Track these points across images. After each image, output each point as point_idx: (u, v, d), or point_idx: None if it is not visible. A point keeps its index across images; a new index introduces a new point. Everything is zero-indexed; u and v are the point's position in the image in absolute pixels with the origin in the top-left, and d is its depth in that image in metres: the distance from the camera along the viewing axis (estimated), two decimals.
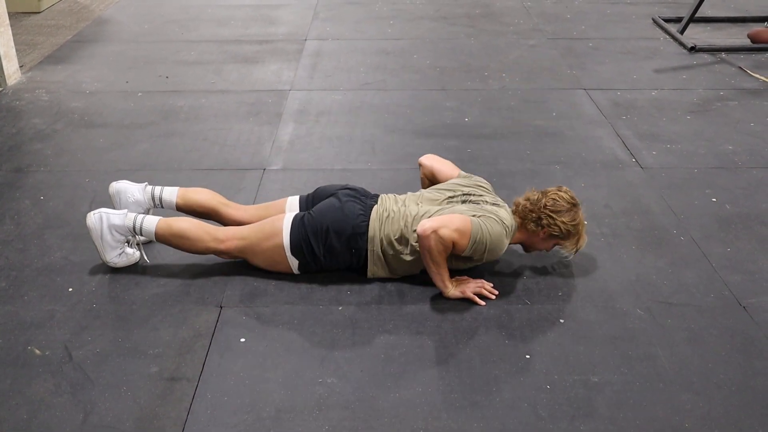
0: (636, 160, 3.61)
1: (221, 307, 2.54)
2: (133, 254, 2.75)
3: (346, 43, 5.41)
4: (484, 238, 2.52)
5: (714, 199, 3.26)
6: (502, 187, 3.36)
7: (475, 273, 2.72)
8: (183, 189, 2.89)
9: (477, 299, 2.57)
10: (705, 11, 6.04)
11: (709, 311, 2.54)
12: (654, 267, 2.78)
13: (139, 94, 4.47)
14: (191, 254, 2.76)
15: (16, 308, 2.53)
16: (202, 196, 2.85)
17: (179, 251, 2.77)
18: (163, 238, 2.68)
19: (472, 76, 4.74)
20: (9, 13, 4.73)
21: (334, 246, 2.61)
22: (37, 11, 6.29)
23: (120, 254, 2.71)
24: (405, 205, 2.68)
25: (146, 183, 2.91)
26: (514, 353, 2.34)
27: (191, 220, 2.72)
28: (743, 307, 2.56)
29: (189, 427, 2.06)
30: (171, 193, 2.86)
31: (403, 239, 2.60)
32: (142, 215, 2.71)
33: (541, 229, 2.61)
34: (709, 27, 5.82)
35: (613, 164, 3.58)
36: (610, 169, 3.54)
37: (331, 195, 2.72)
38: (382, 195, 2.77)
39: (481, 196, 2.72)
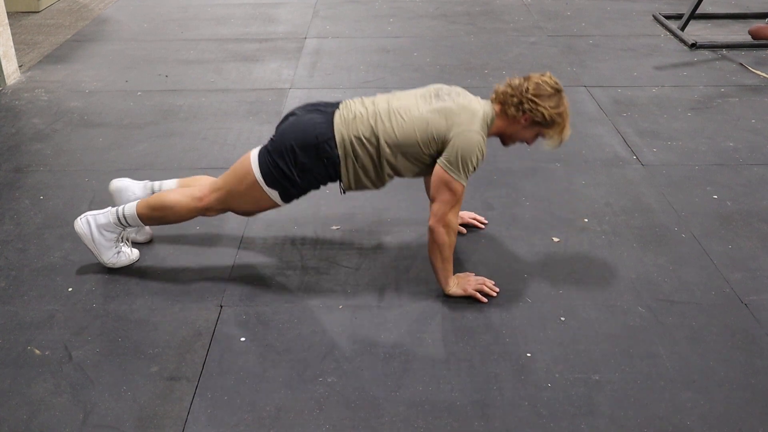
0: (637, 158, 3.60)
1: (221, 306, 2.54)
2: (131, 253, 2.75)
3: (346, 42, 5.40)
4: (467, 163, 2.42)
5: (715, 197, 3.25)
6: (501, 185, 3.36)
7: (475, 272, 2.71)
8: (182, 179, 2.87)
9: (479, 296, 2.56)
10: (705, 8, 6.03)
11: (711, 309, 2.54)
12: (655, 265, 2.77)
13: (139, 93, 4.46)
14: (190, 253, 2.75)
15: (16, 308, 2.53)
16: (201, 182, 2.78)
17: (179, 249, 2.76)
18: (148, 218, 2.63)
19: (472, 74, 4.73)
20: (8, 13, 4.72)
21: (303, 162, 2.46)
22: (36, 10, 6.28)
23: (117, 254, 2.70)
24: (374, 104, 2.54)
25: (147, 180, 2.90)
26: (514, 352, 2.34)
27: (168, 190, 2.67)
28: (745, 304, 2.56)
29: (189, 427, 2.06)
30: (170, 185, 2.85)
31: (374, 137, 2.45)
32: (123, 205, 2.67)
33: (522, 115, 2.47)
34: (709, 24, 5.81)
35: (613, 162, 3.57)
36: (611, 166, 3.53)
37: (291, 115, 2.58)
38: (346, 100, 2.60)
39: (449, 91, 2.58)
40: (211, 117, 4.11)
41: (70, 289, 2.63)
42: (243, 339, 2.39)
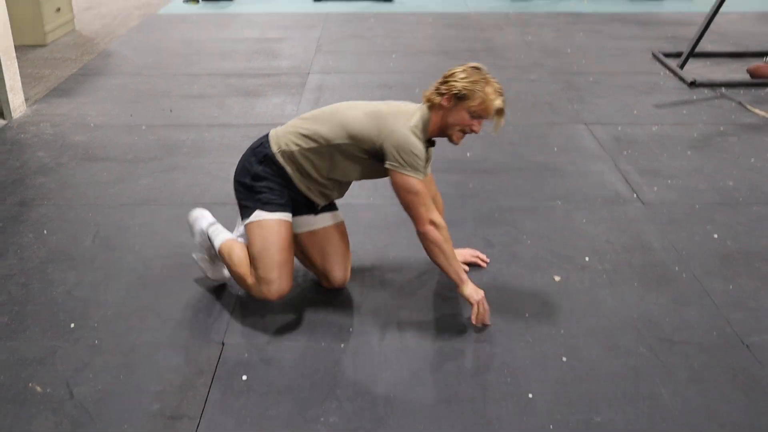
0: (637, 196, 3.62)
1: (223, 344, 2.54)
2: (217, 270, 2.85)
3: (349, 77, 5.45)
4: (411, 156, 2.48)
5: (715, 236, 3.27)
6: (502, 223, 3.37)
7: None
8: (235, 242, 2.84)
9: (475, 311, 2.59)
10: (704, 46, 6.10)
11: (712, 349, 2.54)
12: (656, 304, 2.78)
13: (143, 127, 4.50)
14: (193, 289, 2.78)
15: (18, 344, 2.53)
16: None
17: (182, 285, 2.77)
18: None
19: None
20: (15, 46, 4.77)
21: (256, 186, 2.62)
22: (43, 44, 6.37)
23: (203, 259, 2.84)
24: (310, 113, 2.71)
25: (213, 222, 2.89)
26: (516, 392, 2.34)
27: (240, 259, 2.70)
28: (746, 345, 2.56)
29: None
30: (226, 236, 2.83)
31: (308, 137, 2.59)
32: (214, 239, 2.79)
33: (443, 97, 2.53)
34: (708, 62, 5.88)
35: (614, 200, 3.59)
36: (612, 204, 3.55)
37: None
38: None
39: (390, 102, 2.69)
40: (215, 151, 4.15)
41: (72, 325, 2.63)
42: (245, 377, 2.38)
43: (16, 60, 4.71)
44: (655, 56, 5.94)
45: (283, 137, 2.64)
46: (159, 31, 6.92)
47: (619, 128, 4.48)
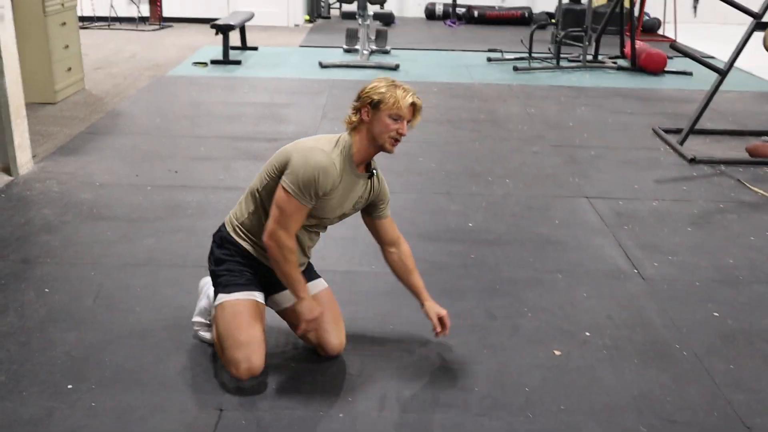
0: (638, 271, 3.64)
1: (221, 410, 2.52)
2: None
3: None
4: (303, 175, 2.52)
5: (716, 314, 3.27)
6: (504, 295, 3.38)
7: (476, 385, 2.70)
8: None
9: (303, 327, 2.66)
10: (704, 124, 6.19)
11: (713, 431, 2.52)
12: (656, 382, 2.76)
13: (149, 188, 4.54)
14: (193, 352, 2.77)
15: (15, 404, 2.51)
16: None
17: (181, 349, 2.77)
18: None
19: (476, 181, 4.82)
20: (26, 103, 4.85)
21: (217, 270, 2.75)
22: (53, 102, 6.46)
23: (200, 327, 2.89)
24: None
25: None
26: None
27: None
28: (748, 427, 2.54)
29: None
30: None
31: (245, 201, 2.79)
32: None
33: (362, 111, 2.59)
34: (708, 139, 5.96)
35: (614, 274, 3.61)
36: (612, 279, 3.56)
37: None
38: None
39: None
40: (220, 214, 4.16)
41: (70, 386, 2.62)
42: None
43: (26, 119, 4.78)
44: (655, 132, 6.03)
45: (234, 214, 2.79)
46: (167, 93, 7.03)
47: (620, 203, 4.52)
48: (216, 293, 2.73)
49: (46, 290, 3.29)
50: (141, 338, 2.93)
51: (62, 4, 6.52)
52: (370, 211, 2.86)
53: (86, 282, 3.38)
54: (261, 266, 2.76)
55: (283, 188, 2.56)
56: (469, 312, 3.22)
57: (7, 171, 4.66)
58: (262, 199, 2.70)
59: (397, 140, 2.63)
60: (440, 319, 2.85)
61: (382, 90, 2.58)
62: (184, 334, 2.95)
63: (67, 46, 6.64)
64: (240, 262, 2.74)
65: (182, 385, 2.65)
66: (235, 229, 2.76)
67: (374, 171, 2.76)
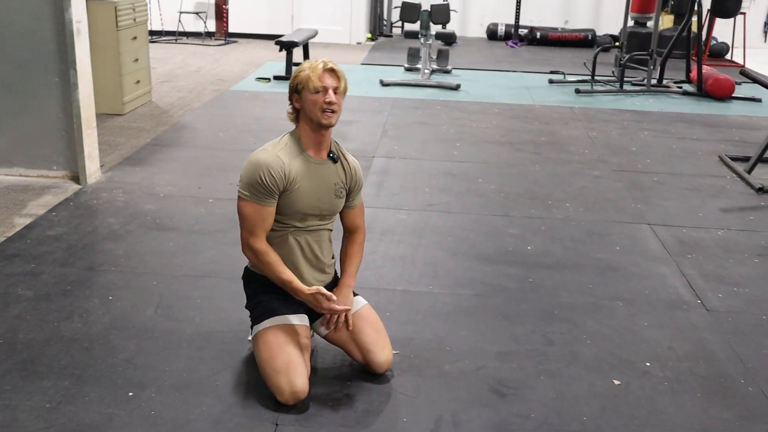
0: (701, 302, 3.55)
1: (276, 425, 2.53)
2: None
3: (413, 163, 5.54)
4: (247, 176, 2.62)
5: None
6: (562, 321, 3.33)
7: (532, 412, 2.66)
8: None
9: (327, 316, 2.71)
10: None
11: None
12: (720, 418, 2.69)
13: (210, 200, 4.61)
14: (248, 366, 2.80)
15: (77, 408, 2.57)
16: None
17: (239, 362, 2.80)
18: None
19: (536, 204, 4.78)
20: (96, 114, 4.98)
21: (249, 306, 2.83)
22: (121, 113, 6.63)
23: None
24: None
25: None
26: None
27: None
28: None
29: None
30: None
31: None
32: None
33: (292, 101, 2.67)
34: None
35: (677, 305, 3.53)
36: (674, 309, 3.48)
37: None
38: None
39: None
40: None
41: (130, 394, 2.66)
42: None
43: (95, 129, 4.91)
44: (721, 159, 5.89)
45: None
46: (231, 107, 7.15)
47: (684, 231, 4.43)
48: (252, 328, 2.78)
49: (110, 298, 3.36)
50: (199, 349, 2.97)
51: (134, 19, 6.70)
52: (347, 199, 2.87)
53: (148, 291, 3.44)
54: (287, 294, 2.75)
55: (238, 197, 2.67)
56: (526, 337, 3.18)
57: (76, 180, 4.79)
58: None
59: (328, 111, 2.63)
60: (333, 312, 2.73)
61: (298, 73, 2.65)
62: (242, 348, 2.98)
63: (136, 60, 6.82)
64: (268, 291, 2.76)
65: (239, 399, 2.67)
66: (252, 264, 2.84)
67: (334, 154, 2.76)
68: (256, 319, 2.73)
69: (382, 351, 2.77)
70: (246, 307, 2.85)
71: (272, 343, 2.62)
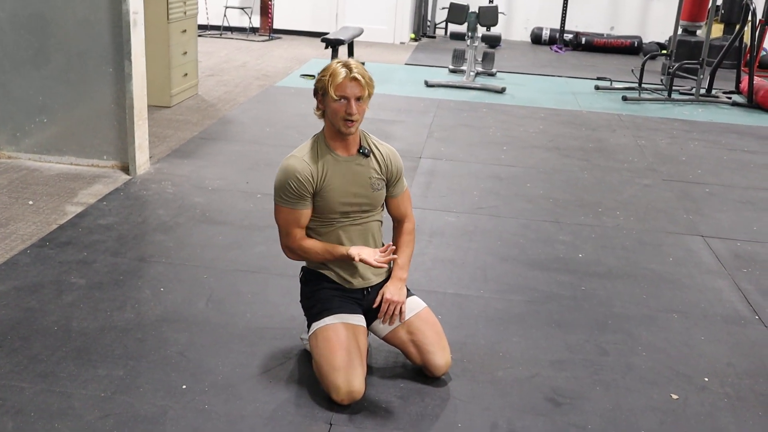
0: (759, 318, 3.47)
1: (331, 425, 2.51)
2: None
3: (460, 165, 5.49)
4: (277, 183, 2.67)
5: None
6: (617, 331, 3.27)
7: (588, 423, 2.61)
8: None
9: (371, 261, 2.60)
10: None
11: None
12: None
13: (259, 195, 4.61)
14: (302, 364, 2.78)
15: (132, 399, 2.57)
16: None
17: (291, 359, 2.78)
18: None
19: (585, 211, 4.71)
20: None
21: (306, 305, 2.80)
22: (168, 105, 6.67)
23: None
24: None
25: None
26: None
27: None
28: None
29: None
30: None
31: None
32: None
33: (318, 102, 2.65)
34: None
35: (734, 319, 3.45)
36: (732, 324, 3.40)
37: None
38: None
39: None
40: None
41: (184, 387, 2.66)
42: None
43: (146, 121, 4.93)
44: None
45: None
46: (276, 103, 7.16)
47: (738, 244, 4.34)
48: (309, 325, 2.74)
49: (161, 289, 3.36)
50: (251, 345, 2.96)
51: (185, 12, 6.73)
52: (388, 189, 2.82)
53: (198, 284, 3.44)
54: (348, 290, 2.74)
55: (275, 204, 2.69)
56: (579, 346, 3.13)
57: (126, 170, 4.82)
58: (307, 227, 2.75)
59: (348, 120, 2.58)
60: (387, 304, 2.73)
61: (322, 76, 2.58)
62: (293, 344, 2.97)
63: (185, 53, 6.86)
64: (327, 288, 2.74)
65: (292, 396, 2.65)
66: (309, 262, 2.81)
67: (364, 149, 2.70)
68: (315, 316, 2.71)
69: (441, 353, 2.74)
70: (303, 304, 2.82)
71: (332, 341, 2.60)
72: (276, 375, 2.77)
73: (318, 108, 2.68)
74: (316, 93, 2.65)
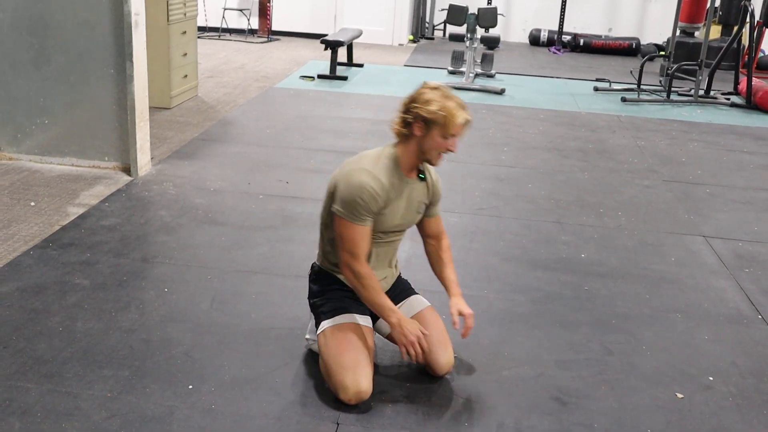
0: (762, 318, 3.48)
1: (338, 424, 2.51)
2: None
3: (461, 166, 5.50)
4: (349, 197, 2.54)
5: None
6: (618, 331, 3.28)
7: (594, 422, 2.62)
8: None
9: (402, 348, 2.58)
10: None
11: None
12: None
13: (260, 196, 4.61)
14: (308, 364, 2.78)
15: (139, 400, 2.57)
16: None
17: (296, 359, 2.78)
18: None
19: (587, 212, 4.72)
20: None
21: (316, 302, 2.76)
22: (168, 107, 6.67)
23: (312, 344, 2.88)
24: None
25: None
26: None
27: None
28: None
29: None
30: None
31: (324, 229, 2.78)
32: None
33: (413, 124, 2.55)
34: None
35: (737, 319, 3.46)
36: (735, 323, 3.41)
37: None
38: None
39: None
40: None
41: (190, 387, 2.66)
42: None
43: (148, 122, 4.93)
44: None
45: (319, 246, 2.82)
46: (276, 104, 7.16)
47: (740, 244, 4.35)
48: (318, 323, 2.72)
49: (165, 290, 3.36)
50: (257, 345, 2.96)
51: (185, 14, 6.74)
52: (427, 210, 2.85)
53: (202, 285, 3.44)
54: (354, 293, 2.74)
55: (337, 216, 2.59)
56: (584, 345, 3.13)
57: (128, 171, 4.82)
58: (328, 228, 2.73)
59: (443, 155, 2.63)
60: (463, 319, 2.77)
61: (435, 108, 2.52)
62: (298, 344, 2.97)
63: (185, 54, 6.86)
64: (338, 288, 2.73)
65: (298, 396, 2.65)
66: (323, 262, 2.80)
67: (423, 174, 2.72)
68: (325, 315, 2.70)
69: (444, 353, 2.75)
70: (311, 303, 2.81)
71: (342, 340, 2.60)
72: (282, 375, 2.77)
73: (407, 129, 2.59)
74: (416, 117, 2.55)
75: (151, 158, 5.11)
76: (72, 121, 4.84)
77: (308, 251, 3.86)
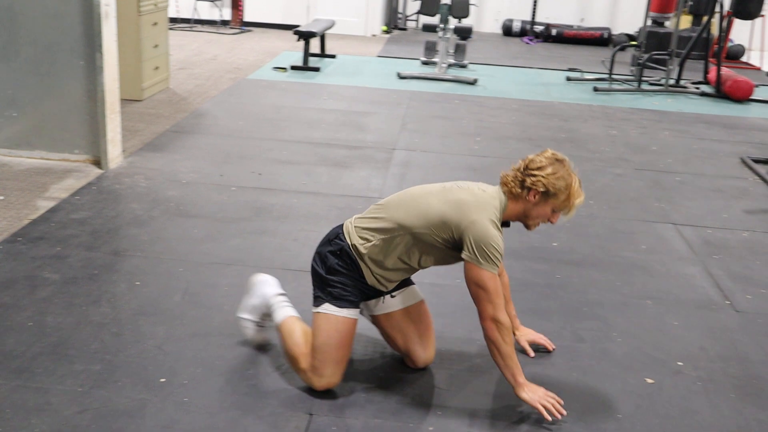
0: (730, 303, 3.53)
1: (311, 415, 2.52)
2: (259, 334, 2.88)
3: (434, 156, 5.51)
4: (492, 253, 2.45)
5: None
6: (592, 317, 3.31)
7: (567, 408, 2.65)
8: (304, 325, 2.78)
9: (544, 412, 2.51)
10: None
11: None
12: (755, 420, 2.66)
13: (233, 188, 4.59)
14: (282, 355, 2.78)
15: (110, 393, 2.55)
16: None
17: (271, 351, 2.78)
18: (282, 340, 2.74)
19: None
20: None
21: (330, 279, 2.61)
22: (140, 99, 6.61)
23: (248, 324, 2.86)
24: (384, 201, 2.71)
25: (281, 293, 2.88)
26: None
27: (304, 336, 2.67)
28: None
29: None
30: (289, 312, 2.81)
31: (376, 227, 2.60)
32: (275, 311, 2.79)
33: (528, 192, 2.52)
34: None
35: (706, 305, 3.50)
36: (704, 309, 3.46)
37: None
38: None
39: (464, 185, 2.63)
40: (302, 219, 4.20)
41: (162, 380, 2.65)
42: None
43: (119, 114, 4.89)
44: (743, 161, 5.86)
45: (359, 230, 2.64)
46: (249, 96, 7.13)
47: (709, 231, 4.40)
48: (321, 300, 2.63)
49: (137, 283, 3.34)
50: (229, 337, 2.95)
51: (155, 5, 6.67)
52: None
53: (174, 277, 3.42)
54: (367, 287, 2.68)
55: (478, 268, 2.46)
56: (556, 333, 3.16)
57: (98, 164, 4.77)
58: (408, 240, 2.57)
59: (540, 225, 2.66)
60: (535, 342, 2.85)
61: (561, 184, 2.50)
62: (270, 336, 2.96)
63: (156, 46, 6.80)
64: (354, 278, 2.64)
65: (271, 388, 2.65)
66: (358, 248, 2.61)
67: (508, 222, 2.69)
68: (335, 299, 2.59)
69: (426, 347, 2.77)
70: (321, 275, 2.64)
71: (344, 334, 2.59)
72: (255, 367, 2.77)
73: (522, 191, 2.54)
74: (537, 190, 2.51)
75: (123, 151, 5.06)
76: (41, 114, 4.78)
77: (281, 243, 3.86)
